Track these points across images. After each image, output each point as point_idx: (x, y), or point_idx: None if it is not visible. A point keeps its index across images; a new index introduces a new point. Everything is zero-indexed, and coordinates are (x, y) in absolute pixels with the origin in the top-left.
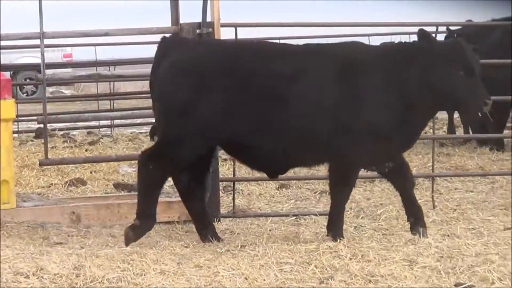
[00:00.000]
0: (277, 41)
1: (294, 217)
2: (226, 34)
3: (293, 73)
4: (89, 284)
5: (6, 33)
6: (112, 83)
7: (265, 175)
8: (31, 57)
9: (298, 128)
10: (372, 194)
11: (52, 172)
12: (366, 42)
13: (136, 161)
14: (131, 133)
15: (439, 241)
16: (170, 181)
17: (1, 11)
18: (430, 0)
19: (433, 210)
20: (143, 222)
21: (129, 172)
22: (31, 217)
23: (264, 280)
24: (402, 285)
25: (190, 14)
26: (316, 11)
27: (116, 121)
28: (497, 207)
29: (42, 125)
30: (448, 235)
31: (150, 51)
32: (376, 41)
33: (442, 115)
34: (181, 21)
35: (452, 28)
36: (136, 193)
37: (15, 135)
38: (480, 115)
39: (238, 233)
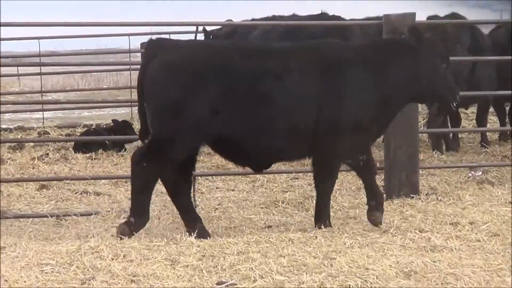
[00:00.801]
0: None
1: (55, 218)
2: None
3: (278, 71)
4: None
5: None
6: None
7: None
8: None
9: (284, 124)
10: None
11: None
12: None
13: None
14: None
15: (200, 240)
16: None
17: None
18: None
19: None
20: (138, 220)
21: None
22: None
23: (25, 282)
24: (164, 284)
25: None
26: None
27: None
28: (258, 205)
29: None
30: (211, 234)
31: None
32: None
33: None
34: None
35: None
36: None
37: None
38: (454, 105)
39: None
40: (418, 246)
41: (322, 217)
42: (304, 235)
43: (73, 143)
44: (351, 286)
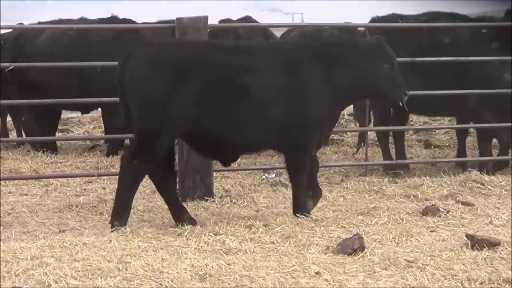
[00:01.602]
0: None
1: None
2: None
3: (249, 68)
4: None
5: None
6: None
7: None
8: None
9: (254, 119)
10: None
11: None
12: None
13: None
14: None
15: None
16: None
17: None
18: None
19: None
20: (122, 220)
21: None
22: None
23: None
24: None
25: None
26: None
27: None
28: (52, 209)
29: None
30: (4, 239)
31: None
32: None
33: None
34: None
35: None
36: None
37: None
38: (401, 104)
39: None
40: (213, 249)
41: (301, 207)
42: (99, 239)
43: None
44: None
